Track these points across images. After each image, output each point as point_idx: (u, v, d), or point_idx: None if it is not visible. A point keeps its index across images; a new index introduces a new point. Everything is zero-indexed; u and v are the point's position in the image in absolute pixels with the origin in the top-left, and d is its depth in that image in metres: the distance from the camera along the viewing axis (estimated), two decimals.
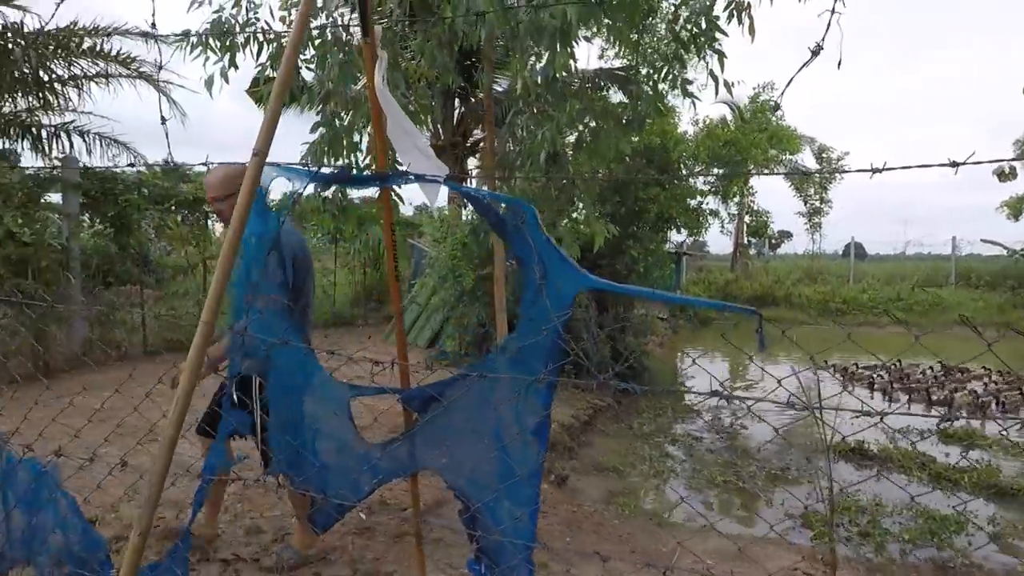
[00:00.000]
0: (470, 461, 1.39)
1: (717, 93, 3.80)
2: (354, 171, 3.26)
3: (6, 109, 7.73)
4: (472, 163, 10.71)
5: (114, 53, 6.85)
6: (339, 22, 3.43)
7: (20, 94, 7.48)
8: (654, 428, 6.58)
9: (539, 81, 3.45)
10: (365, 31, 1.49)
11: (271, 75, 3.62)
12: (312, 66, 3.49)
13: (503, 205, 1.41)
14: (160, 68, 6.83)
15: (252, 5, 3.41)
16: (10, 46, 6.54)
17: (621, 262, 7.70)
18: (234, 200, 2.79)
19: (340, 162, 3.18)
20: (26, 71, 6.70)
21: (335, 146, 3.04)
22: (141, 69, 6.90)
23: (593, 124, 3.59)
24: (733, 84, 3.55)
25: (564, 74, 3.58)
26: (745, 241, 22.76)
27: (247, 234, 1.41)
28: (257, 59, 3.48)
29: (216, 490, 2.96)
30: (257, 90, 8.47)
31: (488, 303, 7.05)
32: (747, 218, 21.74)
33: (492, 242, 7.07)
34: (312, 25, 3.60)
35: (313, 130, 3.21)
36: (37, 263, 5.97)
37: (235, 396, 2.72)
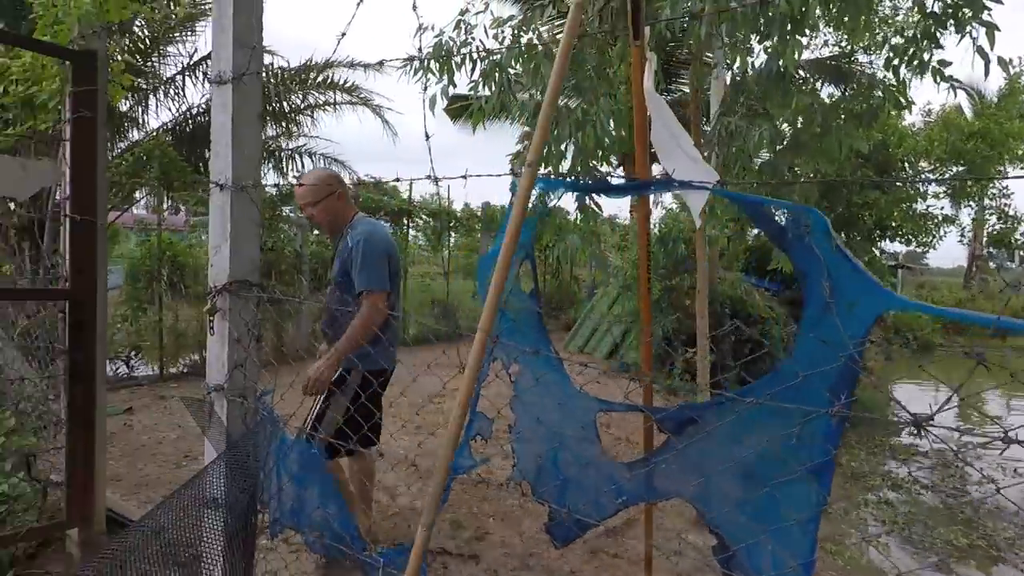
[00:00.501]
0: (731, 495, 1.26)
1: (987, 75, 3.18)
2: (586, 179, 3.26)
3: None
4: (657, 169, 10.43)
5: (341, 83, 7.83)
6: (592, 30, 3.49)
7: (270, 124, 8.91)
8: (868, 468, 5.75)
9: (759, 76, 3.18)
10: (636, 34, 1.45)
11: (481, 92, 3.78)
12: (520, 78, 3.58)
13: (775, 212, 1.26)
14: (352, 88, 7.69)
15: (468, 27, 3.60)
16: (264, 85, 7.82)
17: None
18: (324, 205, 2.76)
19: (549, 168, 3.23)
20: (274, 105, 7.93)
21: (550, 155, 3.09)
22: (362, 95, 7.80)
23: (819, 120, 3.21)
24: (1010, 62, 2.94)
25: (785, 67, 3.27)
26: (984, 252, 18.67)
27: (495, 249, 1.43)
28: (471, 76, 3.68)
29: (364, 488, 3.01)
30: (457, 107, 9.11)
31: (674, 315, 6.76)
32: (994, 223, 17.25)
33: (683, 251, 6.80)
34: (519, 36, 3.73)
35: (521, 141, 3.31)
36: (278, 267, 7.01)
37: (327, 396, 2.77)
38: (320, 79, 7.85)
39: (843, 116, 3.17)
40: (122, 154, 6.76)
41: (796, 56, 2.63)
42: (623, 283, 7.25)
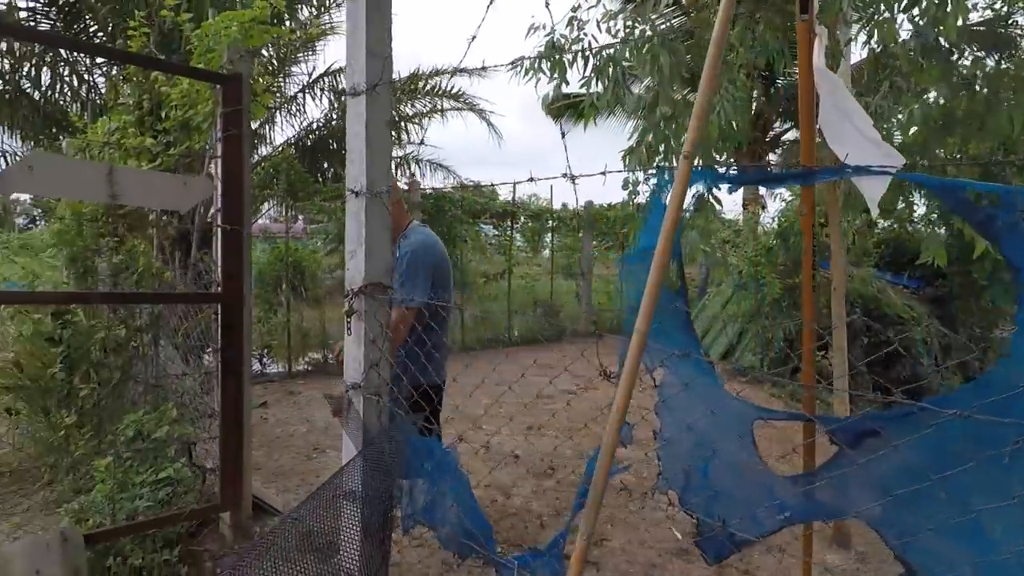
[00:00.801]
0: (923, 520, 1.11)
1: None
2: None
3: None
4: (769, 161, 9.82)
5: (447, 90, 8.06)
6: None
7: None
8: None
9: (905, 48, 2.86)
10: (804, 8, 1.34)
11: (593, 89, 3.71)
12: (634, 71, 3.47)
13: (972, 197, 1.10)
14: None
15: (580, 23, 3.55)
16: None
17: (968, 279, 6.15)
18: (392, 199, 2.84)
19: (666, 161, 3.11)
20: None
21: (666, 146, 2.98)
22: (468, 101, 7.98)
23: (984, 93, 2.84)
24: None
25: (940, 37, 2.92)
26: None
27: (640, 248, 1.37)
28: (583, 73, 3.62)
29: None
30: (558, 106, 9.10)
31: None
32: None
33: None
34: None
35: (643, 135, 3.20)
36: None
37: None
38: (428, 87, 8.12)
39: (1014, 87, 2.78)
40: (253, 168, 7.38)
41: (959, 22, 2.33)
42: (738, 281, 6.87)
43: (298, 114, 9.03)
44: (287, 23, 7.29)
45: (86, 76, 7.93)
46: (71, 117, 6.76)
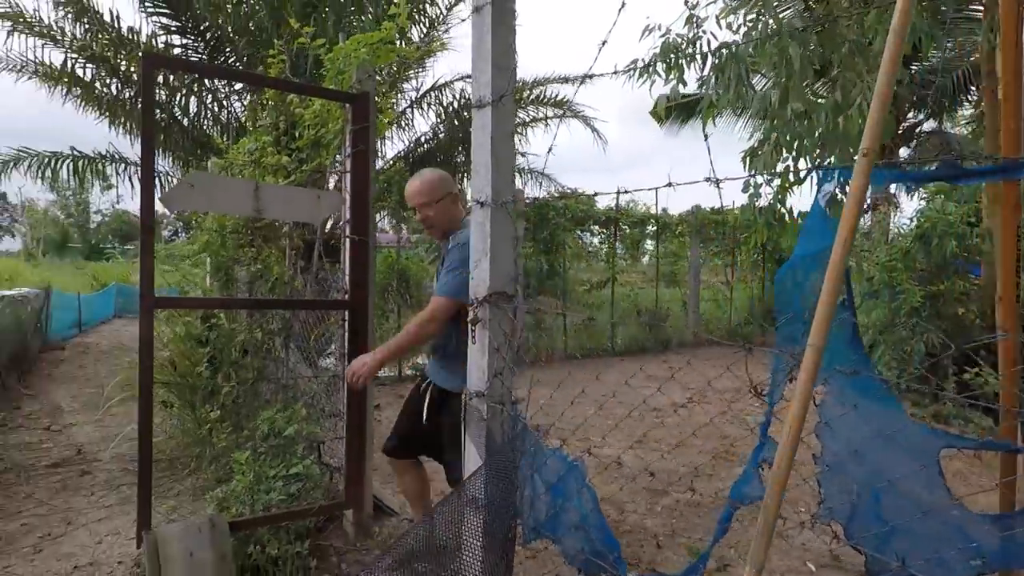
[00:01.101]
0: None
1: None
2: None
3: None
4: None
5: (551, 98, 8.09)
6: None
7: None
8: None
9: None
10: None
11: (711, 88, 3.55)
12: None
13: None
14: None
15: (699, 20, 3.41)
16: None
17: None
18: (442, 205, 2.53)
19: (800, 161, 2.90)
20: None
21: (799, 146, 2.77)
22: (572, 108, 7.97)
23: None
24: None
25: None
26: None
27: (799, 254, 1.26)
28: (701, 72, 3.47)
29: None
30: (665, 108, 8.84)
31: (940, 325, 5.68)
32: None
33: (952, 249, 5.65)
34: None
35: (768, 134, 3.01)
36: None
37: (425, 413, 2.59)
38: (532, 96, 8.20)
39: None
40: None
41: None
42: (868, 289, 6.29)
43: (406, 128, 9.45)
44: (402, 42, 7.66)
45: (224, 103, 8.78)
46: (214, 140, 7.51)
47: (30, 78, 8.31)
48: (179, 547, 2.62)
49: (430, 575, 2.02)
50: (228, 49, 8.33)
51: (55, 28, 7.93)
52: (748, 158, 3.64)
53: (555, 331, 8.20)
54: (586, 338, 8.07)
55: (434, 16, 8.30)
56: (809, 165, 2.83)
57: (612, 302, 8.62)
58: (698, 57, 3.47)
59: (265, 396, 4.27)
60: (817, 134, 2.76)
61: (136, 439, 2.51)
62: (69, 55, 8.07)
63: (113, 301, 14.44)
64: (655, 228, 9.83)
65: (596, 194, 3.64)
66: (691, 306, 9.45)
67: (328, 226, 4.79)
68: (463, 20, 8.49)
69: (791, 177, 3.30)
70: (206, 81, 8.46)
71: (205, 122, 8.75)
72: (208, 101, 8.60)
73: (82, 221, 55.23)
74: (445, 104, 9.07)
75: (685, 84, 3.40)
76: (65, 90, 8.37)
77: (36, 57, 8.09)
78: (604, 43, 1.79)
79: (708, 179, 1.44)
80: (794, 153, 2.86)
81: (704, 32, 3.44)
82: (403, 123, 9.43)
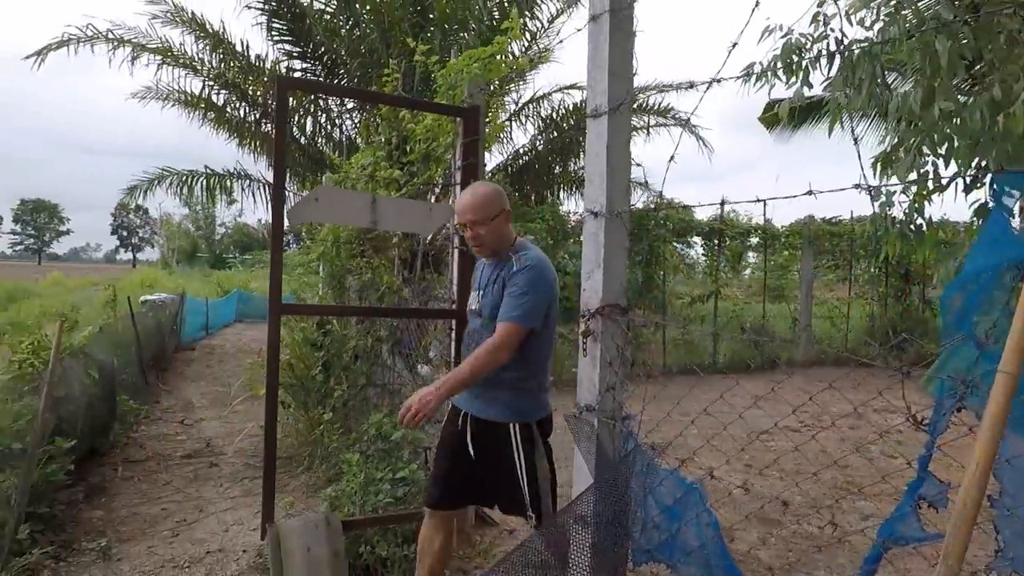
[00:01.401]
0: None
1: None
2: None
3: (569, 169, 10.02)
4: None
5: (654, 106, 7.93)
6: None
7: (577, 156, 9.56)
8: None
9: None
10: None
11: (839, 90, 3.31)
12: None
13: None
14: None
15: (825, 17, 3.19)
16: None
17: None
18: (495, 224, 2.28)
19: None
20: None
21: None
22: (676, 116, 7.76)
23: None
24: None
25: None
26: None
27: (975, 269, 1.11)
28: (827, 73, 3.25)
29: (442, 556, 2.60)
30: (771, 115, 8.40)
31: None
32: None
33: None
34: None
35: (905, 139, 2.75)
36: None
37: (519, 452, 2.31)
38: (635, 105, 8.08)
39: None
40: None
41: None
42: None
43: (505, 141, 9.63)
44: (509, 56, 7.84)
45: (337, 121, 9.38)
46: (328, 156, 8.01)
47: (173, 105, 9.31)
48: (298, 541, 2.76)
49: None
50: (341, 71, 8.89)
51: (196, 59, 8.83)
52: (879, 164, 3.35)
53: (655, 345, 7.95)
54: (684, 353, 7.75)
55: (535, 30, 8.41)
56: (959, 169, 2.54)
57: (715, 316, 8.24)
58: (823, 58, 3.25)
59: (373, 400, 4.45)
60: (969, 136, 2.48)
61: (257, 436, 2.67)
62: (206, 83, 8.95)
63: (235, 307, 15.73)
64: (759, 239, 9.31)
65: (699, 205, 3.49)
66: (803, 322, 8.80)
67: (429, 238, 4.95)
68: (560, 38, 8.48)
69: (931, 184, 3.00)
70: (320, 101, 9.08)
71: (319, 140, 9.37)
72: (322, 120, 9.21)
73: (208, 233, 61.06)
74: (544, 116, 9.14)
75: (811, 86, 3.19)
76: (201, 115, 9.29)
77: (179, 86, 9.06)
78: (735, 45, 1.70)
79: (858, 186, 1.32)
80: (942, 157, 2.58)
81: (832, 31, 3.22)
82: (502, 136, 9.61)
